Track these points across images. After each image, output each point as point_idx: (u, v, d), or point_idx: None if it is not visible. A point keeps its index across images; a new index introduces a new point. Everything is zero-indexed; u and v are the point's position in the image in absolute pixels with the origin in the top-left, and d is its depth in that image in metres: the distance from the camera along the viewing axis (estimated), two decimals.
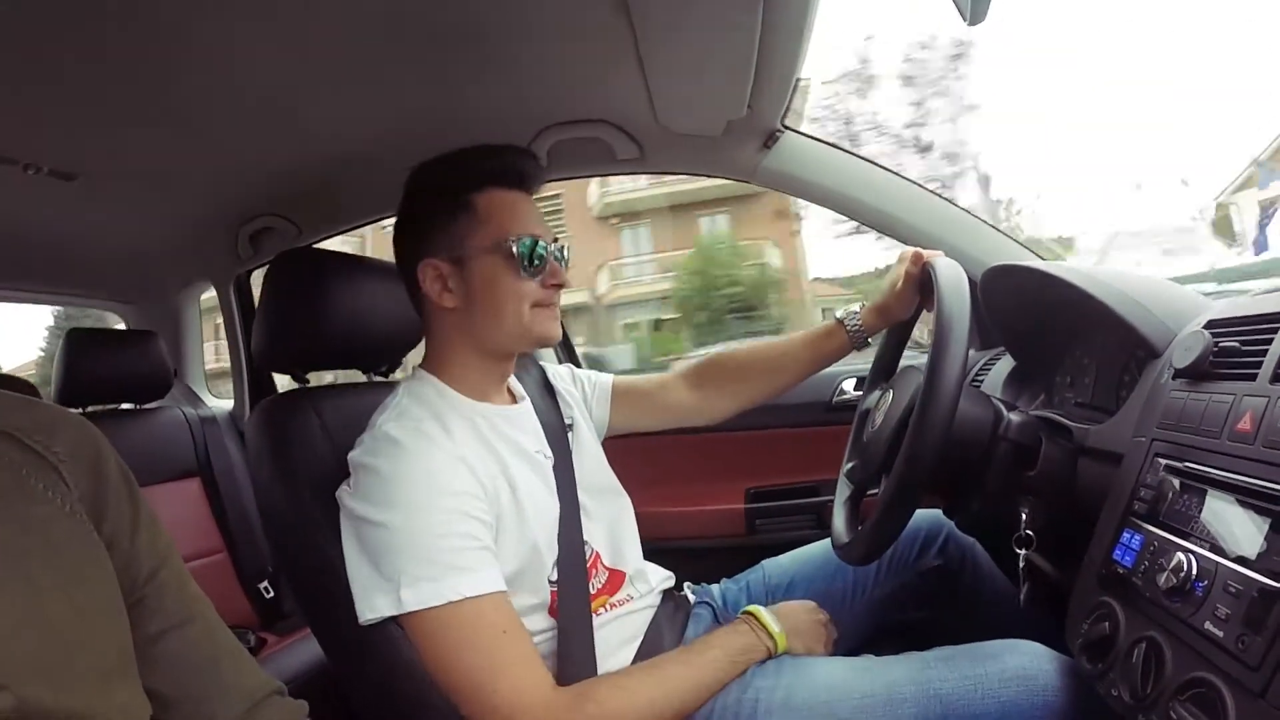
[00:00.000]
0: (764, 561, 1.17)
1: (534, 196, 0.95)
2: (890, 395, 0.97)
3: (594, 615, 0.90)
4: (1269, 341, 0.66)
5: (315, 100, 1.14)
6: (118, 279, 1.98)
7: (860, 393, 1.18)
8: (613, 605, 0.95)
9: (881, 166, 1.45)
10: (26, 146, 1.13)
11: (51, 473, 0.50)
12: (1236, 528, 0.60)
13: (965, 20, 0.72)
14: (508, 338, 0.92)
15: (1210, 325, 0.77)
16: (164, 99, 1.06)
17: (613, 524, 1.03)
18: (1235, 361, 0.70)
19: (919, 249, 1.05)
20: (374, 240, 3.89)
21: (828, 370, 1.23)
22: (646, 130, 1.36)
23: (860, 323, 1.11)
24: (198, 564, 1.73)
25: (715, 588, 1.13)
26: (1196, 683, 0.57)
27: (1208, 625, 0.58)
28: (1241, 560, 0.58)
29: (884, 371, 1.14)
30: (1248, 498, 0.60)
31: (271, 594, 1.81)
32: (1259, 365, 0.66)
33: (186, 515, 1.79)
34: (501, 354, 0.95)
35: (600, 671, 0.86)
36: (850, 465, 1.07)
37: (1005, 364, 1.28)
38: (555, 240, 0.92)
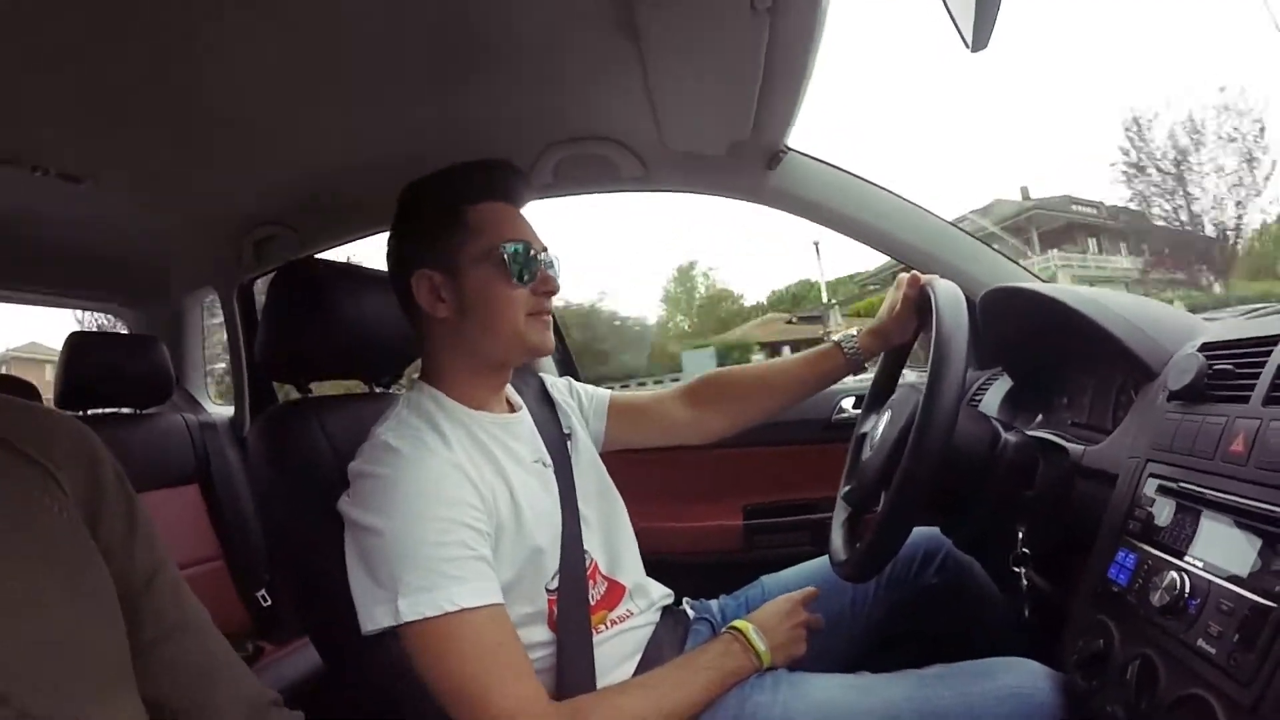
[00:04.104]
0: (763, 577, 1.17)
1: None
2: (888, 416, 0.98)
3: (594, 632, 0.90)
4: (1262, 364, 0.68)
5: (323, 112, 1.16)
6: (123, 283, 2.00)
7: (860, 411, 1.19)
8: (613, 622, 0.95)
9: (884, 188, 1.47)
10: (35, 149, 1.15)
11: (48, 479, 0.50)
12: (1229, 547, 0.61)
13: (968, 48, 0.73)
14: (502, 347, 0.93)
15: (1205, 348, 0.78)
16: (173, 106, 1.07)
17: (611, 534, 1.03)
18: (1229, 384, 0.71)
19: (916, 272, 1.06)
20: None
21: (827, 389, 1.23)
22: (651, 149, 1.38)
23: (857, 346, 1.12)
24: (194, 570, 1.72)
25: (714, 603, 1.13)
26: (1190, 699, 0.58)
27: (1200, 642, 0.59)
28: (1234, 579, 0.59)
29: (881, 396, 1.14)
30: (1240, 518, 0.61)
31: (269, 602, 1.80)
32: (1252, 388, 0.67)
33: (185, 521, 1.79)
34: (496, 364, 0.95)
35: (599, 688, 0.85)
36: (848, 488, 1.07)
37: (1003, 384, 1.29)
38: (545, 249, 0.94)
